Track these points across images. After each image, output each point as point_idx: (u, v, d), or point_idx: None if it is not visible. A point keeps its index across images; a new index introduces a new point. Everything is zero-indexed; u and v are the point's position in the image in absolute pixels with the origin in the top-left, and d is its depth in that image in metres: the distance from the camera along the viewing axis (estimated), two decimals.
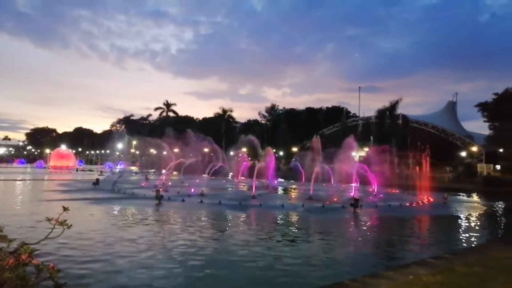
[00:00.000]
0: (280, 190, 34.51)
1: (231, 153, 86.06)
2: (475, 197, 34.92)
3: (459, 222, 19.70)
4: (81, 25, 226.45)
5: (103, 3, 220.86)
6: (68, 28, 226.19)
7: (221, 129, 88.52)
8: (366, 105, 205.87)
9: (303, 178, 38.32)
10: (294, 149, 78.04)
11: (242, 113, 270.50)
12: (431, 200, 27.34)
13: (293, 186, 35.11)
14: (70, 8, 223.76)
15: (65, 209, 3.01)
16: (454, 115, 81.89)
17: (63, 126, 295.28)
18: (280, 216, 18.60)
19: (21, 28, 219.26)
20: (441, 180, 48.24)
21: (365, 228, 17.11)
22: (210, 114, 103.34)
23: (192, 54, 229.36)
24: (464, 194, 35.98)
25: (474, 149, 63.00)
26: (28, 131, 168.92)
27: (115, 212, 18.74)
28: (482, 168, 57.53)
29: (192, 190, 27.63)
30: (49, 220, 2.76)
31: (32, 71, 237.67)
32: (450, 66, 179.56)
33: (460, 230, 17.19)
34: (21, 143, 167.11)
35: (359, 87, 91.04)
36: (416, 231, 16.75)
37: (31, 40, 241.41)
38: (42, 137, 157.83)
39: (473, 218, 21.00)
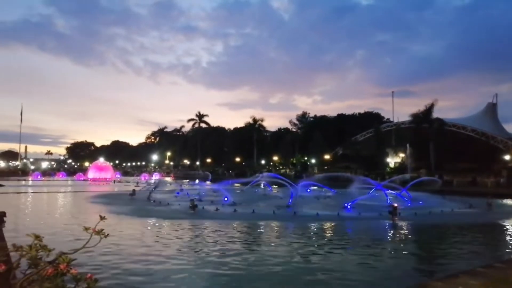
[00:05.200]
0: (313, 199, 33.88)
1: (263, 161, 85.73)
2: None
3: (508, 228, 18.54)
4: (117, 42, 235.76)
5: (136, 20, 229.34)
6: (104, 46, 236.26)
7: (252, 138, 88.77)
8: (399, 110, 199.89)
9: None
10: (327, 157, 76.82)
11: (273, 122, 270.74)
12: (475, 206, 25.95)
13: (328, 194, 34.43)
14: (106, 27, 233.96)
15: (101, 218, 2.97)
16: (494, 117, 77.97)
17: (101, 139, 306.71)
18: (315, 226, 18.20)
19: (61, 48, 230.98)
20: (484, 185, 45.90)
21: (405, 237, 16.43)
22: (241, 124, 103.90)
23: (223, 66, 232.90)
24: (510, 199, 34.01)
25: None
26: (68, 145, 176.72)
27: (151, 221, 19.01)
28: None
29: (225, 199, 27.68)
30: (86, 229, 2.72)
31: (72, 88, 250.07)
32: (487, 67, 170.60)
33: (510, 237, 16.15)
34: (62, 157, 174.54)
35: (392, 92, 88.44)
36: (461, 239, 15.85)
37: (71, 58, 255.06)
38: (81, 151, 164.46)
39: None
